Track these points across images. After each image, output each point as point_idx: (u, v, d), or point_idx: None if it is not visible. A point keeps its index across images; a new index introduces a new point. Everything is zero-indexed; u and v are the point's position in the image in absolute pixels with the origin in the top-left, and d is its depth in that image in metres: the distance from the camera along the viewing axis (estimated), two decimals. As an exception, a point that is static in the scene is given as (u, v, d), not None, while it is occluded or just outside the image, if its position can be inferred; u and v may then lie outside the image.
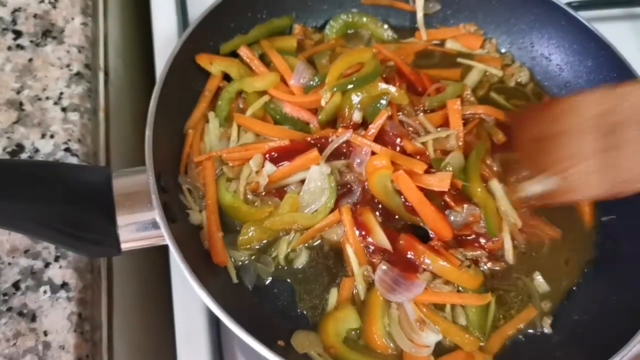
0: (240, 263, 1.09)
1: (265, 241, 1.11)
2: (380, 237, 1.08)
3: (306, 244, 1.12)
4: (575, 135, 0.99)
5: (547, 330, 1.08)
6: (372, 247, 1.09)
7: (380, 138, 1.14)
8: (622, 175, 0.93)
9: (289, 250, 1.10)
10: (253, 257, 1.10)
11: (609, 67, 1.21)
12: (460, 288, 1.07)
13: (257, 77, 1.22)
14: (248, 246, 1.10)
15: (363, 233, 1.09)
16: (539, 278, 1.12)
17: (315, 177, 1.11)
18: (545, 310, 1.10)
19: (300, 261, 1.10)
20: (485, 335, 1.06)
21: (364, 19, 1.37)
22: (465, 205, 1.10)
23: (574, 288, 1.13)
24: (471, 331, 1.06)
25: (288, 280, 1.09)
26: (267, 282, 1.09)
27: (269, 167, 1.11)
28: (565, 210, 1.18)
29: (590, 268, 1.14)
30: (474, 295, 1.07)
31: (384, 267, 1.06)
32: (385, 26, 1.38)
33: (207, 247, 1.08)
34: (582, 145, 0.97)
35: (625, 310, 1.04)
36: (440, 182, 1.08)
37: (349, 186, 1.13)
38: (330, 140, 1.13)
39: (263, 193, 1.13)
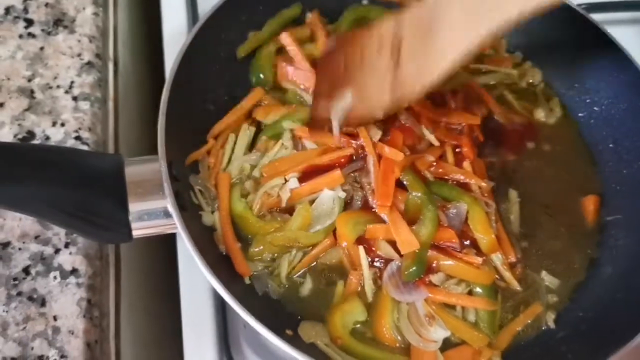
0: (255, 273, 1.08)
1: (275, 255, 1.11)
2: (386, 250, 1.09)
3: (308, 269, 1.11)
4: (374, 52, 1.05)
5: (551, 325, 1.09)
6: (380, 260, 1.10)
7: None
8: (405, 80, 1.01)
9: (291, 269, 1.09)
10: (267, 269, 1.10)
11: (619, 69, 1.23)
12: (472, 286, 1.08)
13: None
14: (260, 257, 1.09)
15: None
16: (544, 272, 1.13)
17: (327, 200, 1.11)
18: (551, 306, 1.11)
19: (306, 288, 1.09)
20: (494, 332, 1.06)
21: (376, 12, 1.36)
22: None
23: (580, 285, 1.14)
24: (481, 328, 1.06)
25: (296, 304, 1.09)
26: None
27: (293, 182, 1.12)
28: (570, 209, 1.20)
29: (595, 266, 1.15)
30: (485, 299, 1.07)
31: (397, 264, 1.07)
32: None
33: (222, 251, 1.08)
34: (376, 60, 1.05)
35: (628, 307, 1.05)
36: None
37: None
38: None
39: (277, 209, 1.13)
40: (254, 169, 1.16)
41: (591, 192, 1.22)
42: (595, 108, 1.28)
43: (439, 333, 1.04)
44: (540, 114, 1.30)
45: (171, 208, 0.97)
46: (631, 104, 1.22)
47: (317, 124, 1.15)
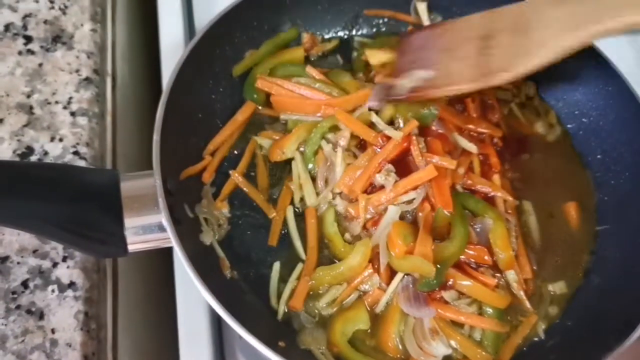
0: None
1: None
2: None
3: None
4: (459, 42, 1.16)
5: (541, 336, 1.10)
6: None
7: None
8: (493, 67, 1.10)
9: (332, 301, 1.10)
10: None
11: (605, 80, 1.25)
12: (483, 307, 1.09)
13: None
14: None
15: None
16: (552, 285, 1.15)
17: (392, 215, 1.10)
18: (545, 316, 1.12)
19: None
20: (497, 352, 1.07)
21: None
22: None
23: (569, 295, 1.15)
24: (485, 346, 1.07)
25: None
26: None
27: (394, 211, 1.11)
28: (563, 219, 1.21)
29: (585, 275, 1.17)
30: (495, 321, 1.07)
31: (413, 278, 1.08)
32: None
33: (228, 276, 1.10)
34: (461, 49, 1.15)
35: (615, 318, 1.06)
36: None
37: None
38: None
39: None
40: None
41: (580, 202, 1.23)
42: (583, 119, 1.30)
43: (440, 349, 1.04)
44: (540, 128, 1.31)
45: (165, 222, 0.98)
46: (618, 115, 1.23)
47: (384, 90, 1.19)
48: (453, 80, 1.14)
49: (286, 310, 1.08)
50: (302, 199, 1.18)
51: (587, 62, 1.24)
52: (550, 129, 1.32)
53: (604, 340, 1.01)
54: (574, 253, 1.18)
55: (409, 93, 1.16)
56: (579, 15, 1.02)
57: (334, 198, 1.15)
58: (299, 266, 1.12)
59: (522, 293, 1.11)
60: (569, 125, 1.32)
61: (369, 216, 1.11)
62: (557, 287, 1.15)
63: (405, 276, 1.08)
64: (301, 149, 1.20)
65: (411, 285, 1.07)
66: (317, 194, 1.17)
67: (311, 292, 1.09)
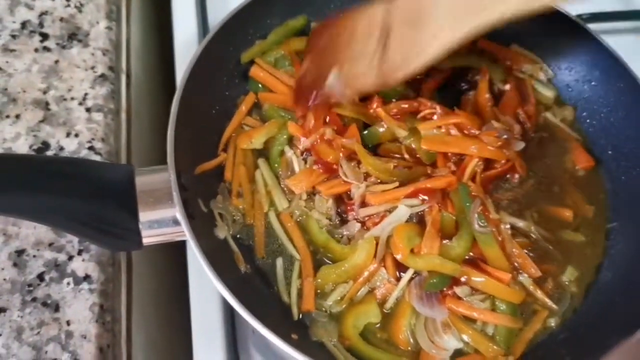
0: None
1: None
2: None
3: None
4: (363, 36, 1.11)
5: (554, 330, 1.10)
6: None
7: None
8: (389, 65, 1.07)
9: (340, 298, 1.10)
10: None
11: (616, 77, 1.24)
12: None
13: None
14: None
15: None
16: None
17: (401, 216, 1.11)
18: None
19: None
20: (509, 347, 1.07)
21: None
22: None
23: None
24: (497, 341, 1.07)
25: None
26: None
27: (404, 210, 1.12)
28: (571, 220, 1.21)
29: (597, 272, 1.17)
30: (508, 316, 1.08)
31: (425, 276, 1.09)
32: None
33: (243, 270, 1.11)
34: (365, 44, 1.10)
35: (626, 312, 1.07)
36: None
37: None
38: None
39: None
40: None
41: (593, 197, 1.24)
42: (594, 116, 1.30)
43: (451, 343, 1.05)
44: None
45: (180, 216, 0.99)
46: (629, 111, 1.23)
47: (301, 96, 1.19)
48: (358, 80, 1.12)
49: (300, 316, 1.09)
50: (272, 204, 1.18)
51: (599, 59, 1.24)
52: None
53: (614, 333, 1.01)
54: (586, 249, 1.18)
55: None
56: (472, 3, 0.99)
57: (306, 205, 1.16)
58: (297, 264, 1.13)
59: (540, 293, 1.11)
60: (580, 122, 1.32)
61: (373, 213, 1.12)
62: (570, 278, 1.15)
63: (417, 274, 1.09)
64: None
65: (424, 282, 1.08)
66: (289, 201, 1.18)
67: (318, 291, 1.10)
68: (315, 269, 1.11)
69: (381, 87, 1.12)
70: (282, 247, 1.15)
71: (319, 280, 1.10)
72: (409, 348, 1.07)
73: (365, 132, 1.20)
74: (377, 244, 1.10)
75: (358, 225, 1.12)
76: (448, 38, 1.00)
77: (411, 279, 1.09)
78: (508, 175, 1.22)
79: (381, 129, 1.19)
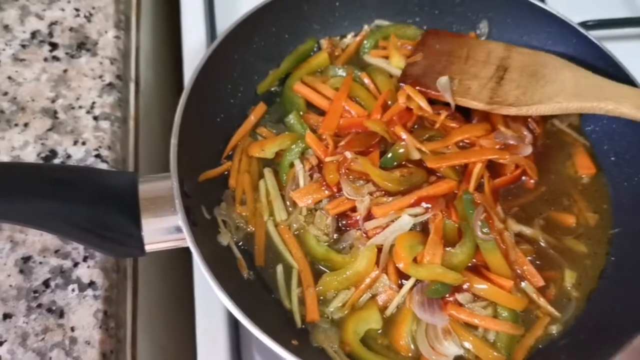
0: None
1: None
2: None
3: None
4: (479, 62, 1.28)
5: (555, 336, 1.10)
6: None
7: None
8: (496, 98, 1.21)
9: (342, 305, 1.10)
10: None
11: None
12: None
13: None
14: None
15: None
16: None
17: (404, 225, 1.11)
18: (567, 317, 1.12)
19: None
20: (510, 354, 1.07)
21: (392, 28, 1.41)
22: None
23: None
24: (498, 348, 1.07)
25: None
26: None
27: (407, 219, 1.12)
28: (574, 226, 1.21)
29: (600, 278, 1.16)
30: (509, 323, 1.08)
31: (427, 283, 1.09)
32: (414, 26, 1.43)
33: (245, 276, 1.12)
34: (481, 69, 1.27)
35: (627, 319, 1.06)
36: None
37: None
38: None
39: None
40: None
41: (597, 205, 1.23)
42: (597, 122, 1.29)
43: (452, 349, 1.05)
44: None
45: (182, 224, 1.00)
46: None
47: (408, 78, 1.28)
48: (469, 95, 1.22)
49: (303, 325, 1.09)
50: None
51: (599, 66, 1.24)
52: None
53: (615, 339, 1.00)
54: (588, 256, 1.18)
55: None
56: (588, 86, 1.16)
57: (305, 220, 1.17)
58: (295, 272, 1.13)
59: (543, 301, 1.11)
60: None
61: (378, 225, 1.12)
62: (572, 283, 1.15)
63: (419, 280, 1.09)
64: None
65: (425, 289, 1.08)
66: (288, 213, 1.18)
67: (321, 298, 1.11)
68: (315, 278, 1.12)
69: (486, 110, 1.21)
70: (282, 255, 1.15)
71: (321, 287, 1.10)
72: (410, 354, 1.07)
73: (389, 155, 1.19)
74: (379, 252, 1.10)
75: (357, 232, 1.13)
76: (564, 105, 1.16)
77: (413, 285, 1.09)
78: (524, 178, 1.23)
79: (401, 150, 1.19)
